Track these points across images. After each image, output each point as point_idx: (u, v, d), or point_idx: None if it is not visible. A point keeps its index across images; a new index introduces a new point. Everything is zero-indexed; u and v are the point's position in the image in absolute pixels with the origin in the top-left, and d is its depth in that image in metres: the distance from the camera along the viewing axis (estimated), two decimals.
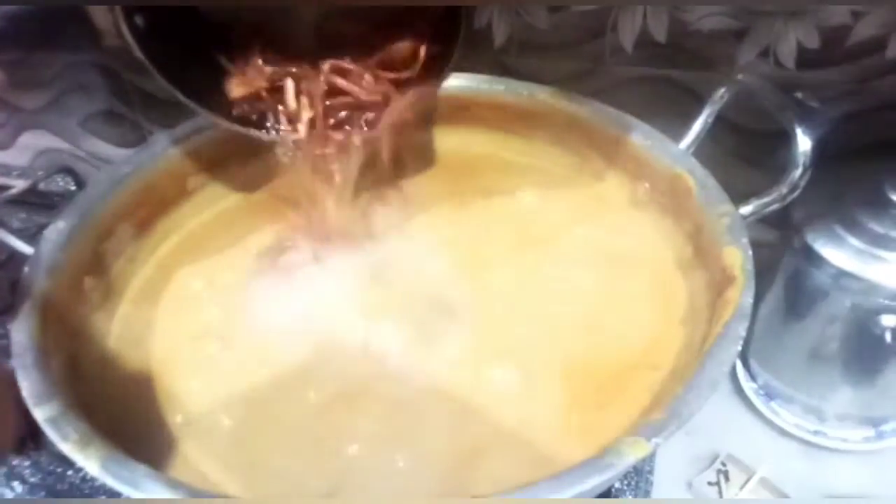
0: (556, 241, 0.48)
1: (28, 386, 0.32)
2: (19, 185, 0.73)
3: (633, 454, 0.28)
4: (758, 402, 0.64)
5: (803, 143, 0.40)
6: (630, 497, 0.45)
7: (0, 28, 0.78)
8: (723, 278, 0.37)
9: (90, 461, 0.29)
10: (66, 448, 0.30)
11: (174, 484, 0.28)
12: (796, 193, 0.41)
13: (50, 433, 0.30)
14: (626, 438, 0.28)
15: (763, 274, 0.61)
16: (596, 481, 0.27)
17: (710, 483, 0.59)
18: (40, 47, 0.84)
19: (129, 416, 0.37)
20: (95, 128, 0.90)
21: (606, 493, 0.47)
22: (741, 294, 0.35)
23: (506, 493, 0.27)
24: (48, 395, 0.32)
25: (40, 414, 0.31)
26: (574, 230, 0.49)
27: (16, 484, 0.48)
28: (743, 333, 0.33)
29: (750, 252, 0.37)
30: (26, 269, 0.39)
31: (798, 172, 0.40)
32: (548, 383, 0.39)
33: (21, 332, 0.35)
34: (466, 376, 0.40)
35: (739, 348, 0.32)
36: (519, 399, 0.38)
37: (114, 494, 0.47)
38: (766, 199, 0.41)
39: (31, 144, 0.94)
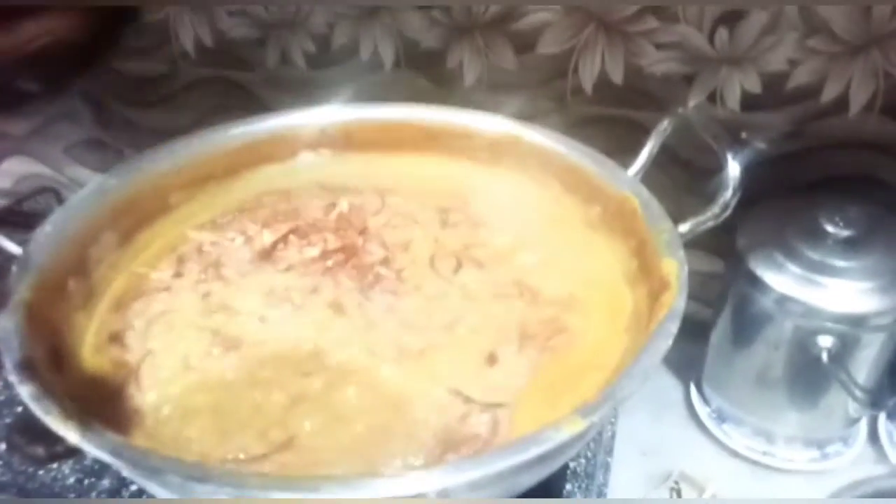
0: (517, 257, 0.51)
1: (14, 367, 0.34)
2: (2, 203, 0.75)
3: (568, 430, 0.31)
4: (711, 424, 0.67)
5: (733, 168, 0.45)
6: (581, 498, 0.47)
7: None
8: (660, 286, 0.40)
9: (70, 432, 0.31)
10: (49, 420, 0.32)
11: (146, 453, 0.30)
12: (727, 213, 0.45)
13: (34, 407, 0.32)
14: (565, 417, 0.31)
15: (714, 304, 0.65)
16: (534, 452, 0.30)
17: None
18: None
19: (102, 405, 0.39)
20: (78, 155, 0.92)
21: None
22: (675, 298, 0.38)
23: (454, 462, 0.30)
24: (32, 374, 0.34)
25: (25, 390, 0.33)
26: (534, 249, 0.52)
27: None
28: (674, 331, 0.36)
29: (685, 264, 0.41)
30: (14, 267, 0.41)
31: (729, 194, 0.45)
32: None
33: (8, 321, 0.37)
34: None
35: (670, 343, 0.36)
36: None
37: (81, 494, 0.49)
38: (701, 218, 0.45)
39: (15, 170, 0.95)
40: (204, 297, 0.47)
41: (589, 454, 0.51)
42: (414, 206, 0.56)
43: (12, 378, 0.34)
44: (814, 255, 0.57)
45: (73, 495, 0.48)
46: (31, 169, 0.95)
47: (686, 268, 0.41)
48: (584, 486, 0.48)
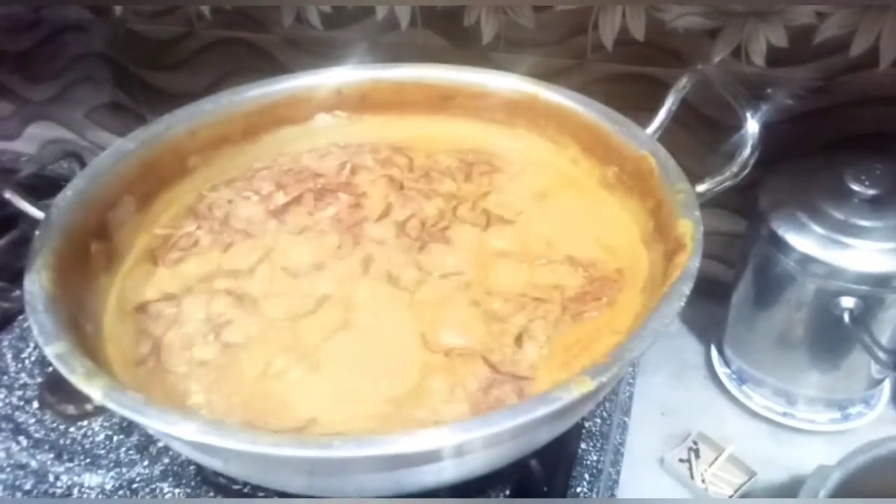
0: (534, 222, 0.51)
1: (39, 328, 0.35)
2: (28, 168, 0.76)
3: (577, 390, 0.31)
4: (730, 385, 0.67)
5: (752, 126, 0.44)
6: (595, 457, 0.48)
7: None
8: (675, 246, 0.40)
9: (94, 390, 0.32)
10: (74, 380, 0.33)
11: (167, 411, 0.31)
12: (746, 172, 0.44)
13: (60, 367, 0.33)
14: (575, 377, 0.32)
15: (736, 265, 0.64)
16: (544, 411, 0.30)
17: (681, 460, 0.62)
18: (50, 40, 0.87)
19: (123, 364, 0.40)
20: (100, 119, 0.93)
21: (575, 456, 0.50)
22: (689, 259, 0.38)
23: (464, 421, 0.30)
24: (57, 335, 0.35)
25: (51, 351, 0.34)
26: (550, 211, 0.52)
27: (21, 438, 0.51)
28: (686, 292, 0.36)
29: (701, 225, 0.40)
30: (37, 231, 0.42)
31: (747, 153, 0.44)
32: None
33: (33, 283, 0.38)
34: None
35: (682, 304, 0.36)
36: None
37: (111, 450, 0.51)
38: (719, 178, 0.44)
39: (39, 135, 0.97)
40: (226, 258, 0.47)
41: (605, 414, 0.51)
42: (431, 168, 0.56)
43: (38, 339, 0.35)
44: (838, 215, 0.55)
45: (102, 451, 0.50)
46: (54, 133, 0.96)
47: (701, 228, 0.40)
48: (599, 445, 0.48)
